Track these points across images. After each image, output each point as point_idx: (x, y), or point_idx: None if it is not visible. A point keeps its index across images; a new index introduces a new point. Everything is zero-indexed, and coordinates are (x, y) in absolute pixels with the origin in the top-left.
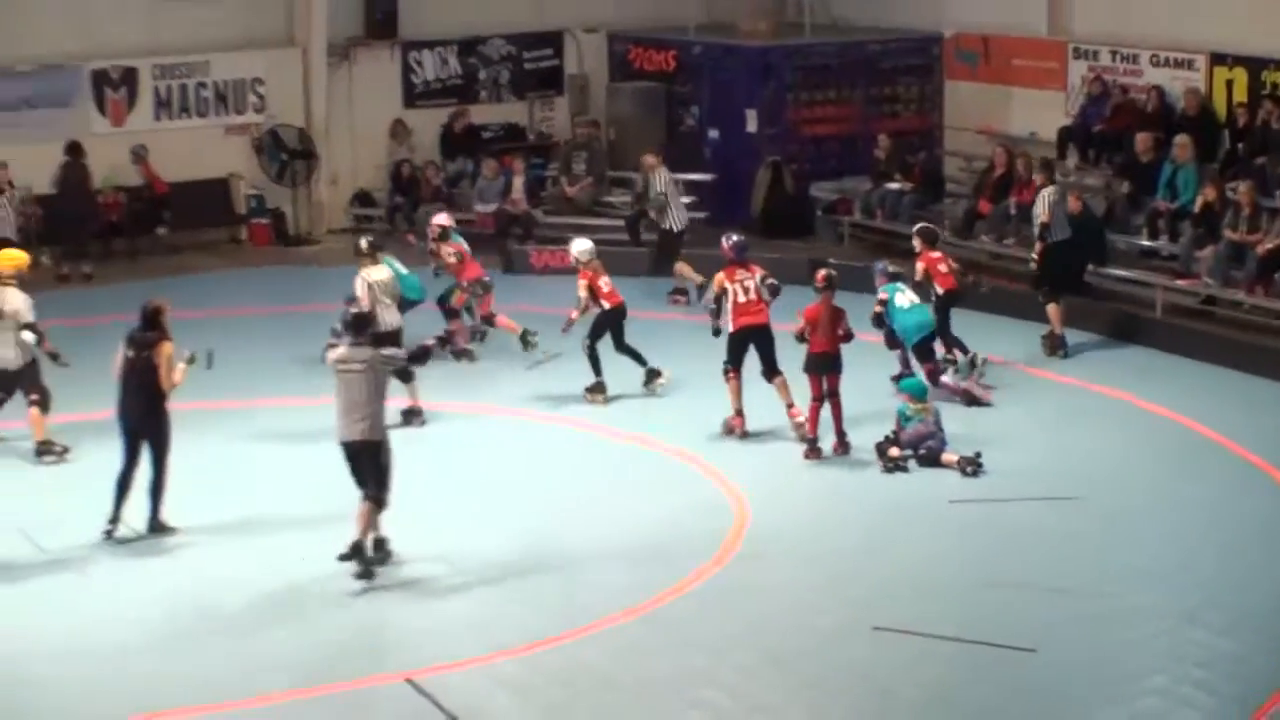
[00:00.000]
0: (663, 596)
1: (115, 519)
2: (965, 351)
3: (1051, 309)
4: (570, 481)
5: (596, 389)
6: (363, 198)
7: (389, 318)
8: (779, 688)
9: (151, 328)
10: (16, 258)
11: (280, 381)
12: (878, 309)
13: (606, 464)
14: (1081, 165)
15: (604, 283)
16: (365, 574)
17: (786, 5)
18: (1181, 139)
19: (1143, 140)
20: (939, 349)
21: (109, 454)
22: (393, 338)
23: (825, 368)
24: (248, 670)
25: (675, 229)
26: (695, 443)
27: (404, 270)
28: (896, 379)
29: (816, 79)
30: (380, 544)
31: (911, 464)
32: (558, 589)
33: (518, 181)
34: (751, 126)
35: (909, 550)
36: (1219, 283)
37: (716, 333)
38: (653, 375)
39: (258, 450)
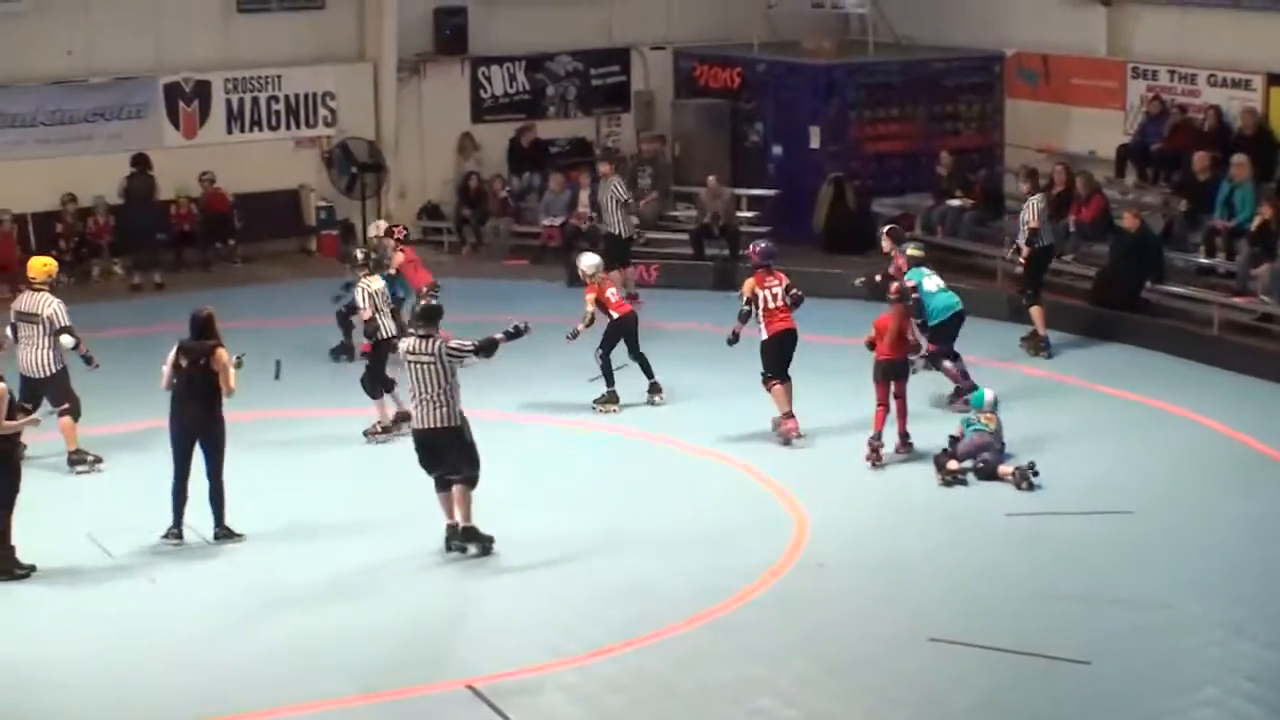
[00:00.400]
0: (723, 605)
1: (179, 528)
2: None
3: (1035, 311)
4: (629, 491)
5: (608, 399)
6: (431, 210)
7: (390, 324)
8: (836, 696)
9: (204, 336)
10: (47, 264)
11: (342, 393)
12: (912, 292)
13: (663, 473)
14: (1140, 183)
15: (611, 294)
16: (484, 549)
17: (850, 24)
18: (1239, 158)
19: (1200, 159)
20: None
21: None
22: (389, 344)
23: (892, 374)
24: (310, 675)
25: (623, 235)
26: (748, 453)
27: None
28: (955, 394)
29: (879, 97)
30: (455, 530)
31: (970, 476)
32: (618, 597)
33: (583, 195)
34: (815, 143)
35: (965, 562)
36: (1275, 300)
37: (734, 339)
38: (655, 389)
39: (322, 458)
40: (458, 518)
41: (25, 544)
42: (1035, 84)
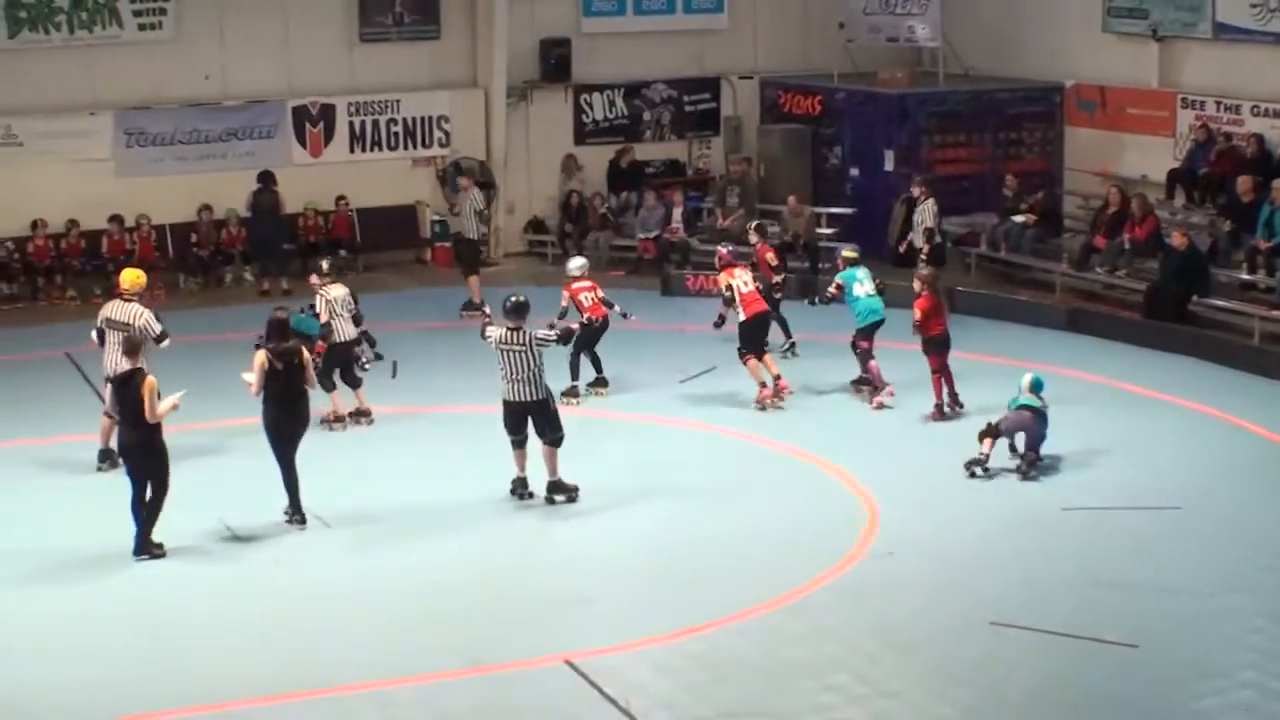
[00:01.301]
0: (800, 590)
1: (299, 511)
2: (788, 335)
3: None
4: (711, 481)
5: (571, 392)
6: (536, 225)
7: (346, 329)
8: (904, 675)
9: (283, 338)
10: (139, 277)
11: (449, 393)
12: (834, 291)
13: (744, 467)
14: (1188, 205)
15: (584, 297)
16: (570, 498)
17: (922, 56)
18: (1279, 183)
19: (1244, 183)
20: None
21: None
22: (348, 347)
23: (943, 346)
24: (413, 651)
25: (473, 237)
26: (827, 449)
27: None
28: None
29: (948, 123)
30: (523, 481)
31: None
32: (703, 581)
33: (676, 212)
34: (889, 166)
35: (1024, 551)
36: None
37: (720, 322)
38: (601, 384)
39: (428, 449)
40: (547, 473)
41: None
42: (1093, 113)
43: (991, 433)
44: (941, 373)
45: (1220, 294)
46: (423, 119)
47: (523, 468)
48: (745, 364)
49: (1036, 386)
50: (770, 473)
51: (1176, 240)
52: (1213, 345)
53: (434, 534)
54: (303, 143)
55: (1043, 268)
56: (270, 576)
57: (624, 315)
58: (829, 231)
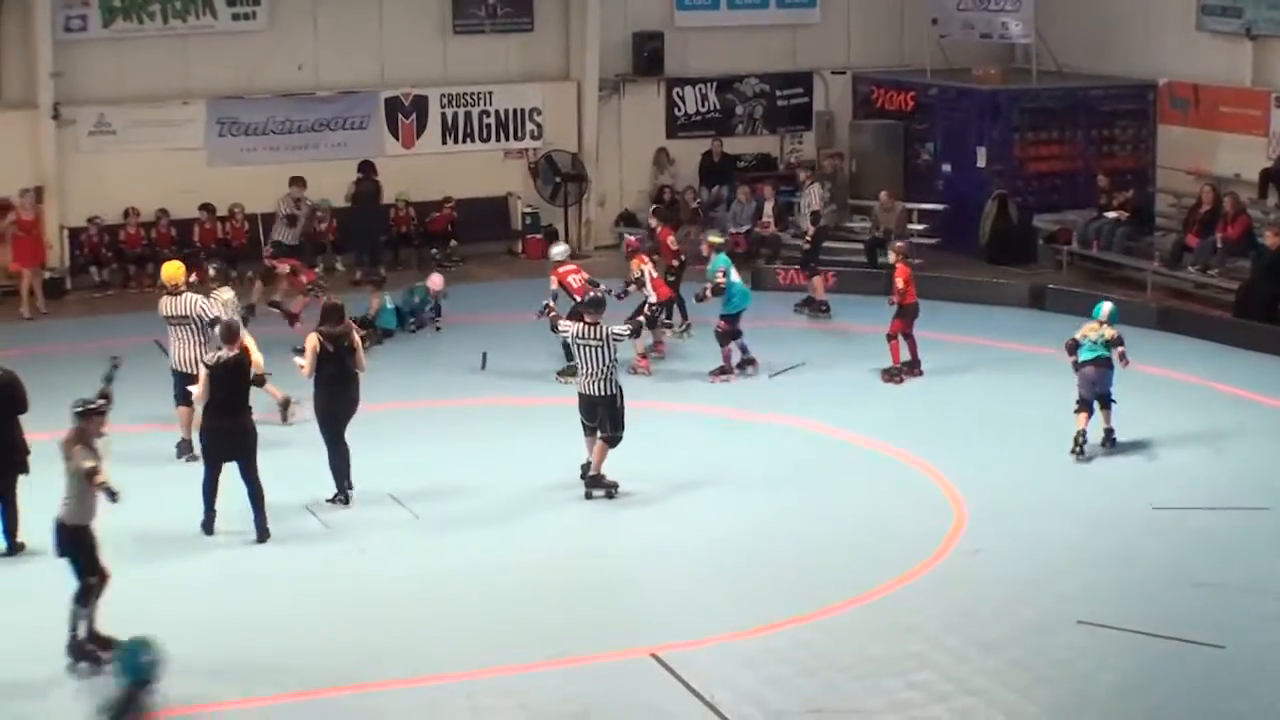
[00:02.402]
0: (885, 586)
1: (343, 492)
2: (685, 317)
3: (816, 281)
4: (798, 476)
5: (569, 371)
6: (627, 218)
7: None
8: (989, 673)
9: (336, 322)
10: (178, 268)
11: (534, 384)
12: (720, 280)
13: (832, 462)
14: None
15: (573, 280)
16: (609, 493)
17: (1015, 52)
18: None
19: None
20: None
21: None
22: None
23: (914, 314)
24: (499, 642)
25: None
26: (914, 444)
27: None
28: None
29: (1041, 120)
30: (598, 480)
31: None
32: (789, 575)
33: (768, 206)
34: (981, 162)
35: (1111, 550)
36: None
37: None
38: (570, 372)
39: (511, 440)
40: (592, 465)
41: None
42: (1185, 111)
43: (1083, 406)
44: (907, 339)
45: None
46: (515, 111)
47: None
48: (652, 329)
49: (1106, 316)
50: (857, 468)
51: (1269, 239)
52: None
53: (517, 525)
54: (395, 134)
55: (1134, 265)
56: (356, 564)
57: (615, 295)
58: (920, 227)
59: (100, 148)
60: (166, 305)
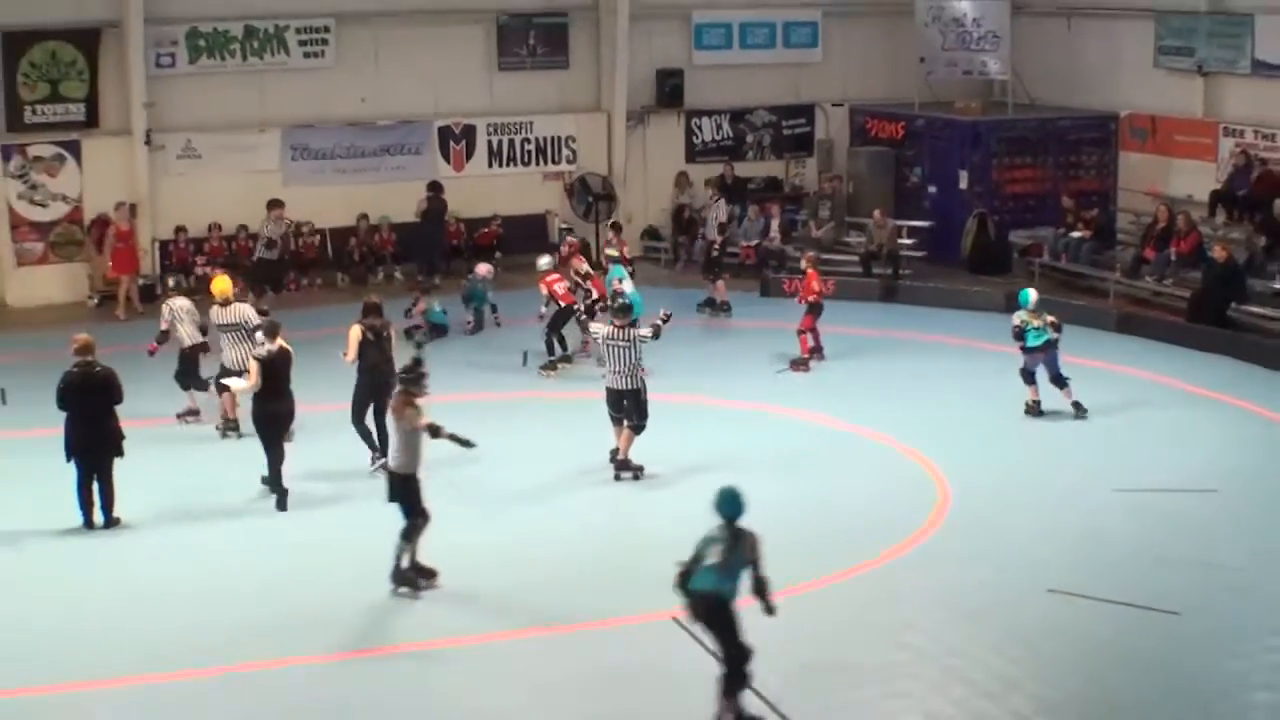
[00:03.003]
0: (878, 559)
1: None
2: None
3: (720, 284)
4: (796, 461)
5: (550, 365)
6: (651, 233)
7: (192, 334)
8: (971, 637)
9: (377, 316)
10: (225, 283)
11: (573, 378)
12: (618, 286)
13: (828, 447)
14: (1228, 222)
15: (559, 287)
16: (636, 475)
17: (994, 88)
18: None
19: (1279, 204)
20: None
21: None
22: (195, 351)
23: (821, 310)
24: (517, 607)
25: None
26: (894, 429)
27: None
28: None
29: (1016, 147)
30: (626, 463)
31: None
32: (792, 548)
33: (774, 223)
34: (963, 184)
35: (1078, 527)
36: None
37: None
38: (554, 365)
39: (543, 428)
40: (620, 450)
41: (312, 493)
42: (1144, 139)
43: (1030, 379)
44: (812, 333)
45: (1256, 301)
46: (552, 138)
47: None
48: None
49: (1035, 304)
50: (853, 453)
51: (1217, 253)
52: (1249, 347)
53: (552, 503)
54: (447, 158)
55: (1098, 276)
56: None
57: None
58: (909, 242)
59: (187, 170)
60: (218, 315)
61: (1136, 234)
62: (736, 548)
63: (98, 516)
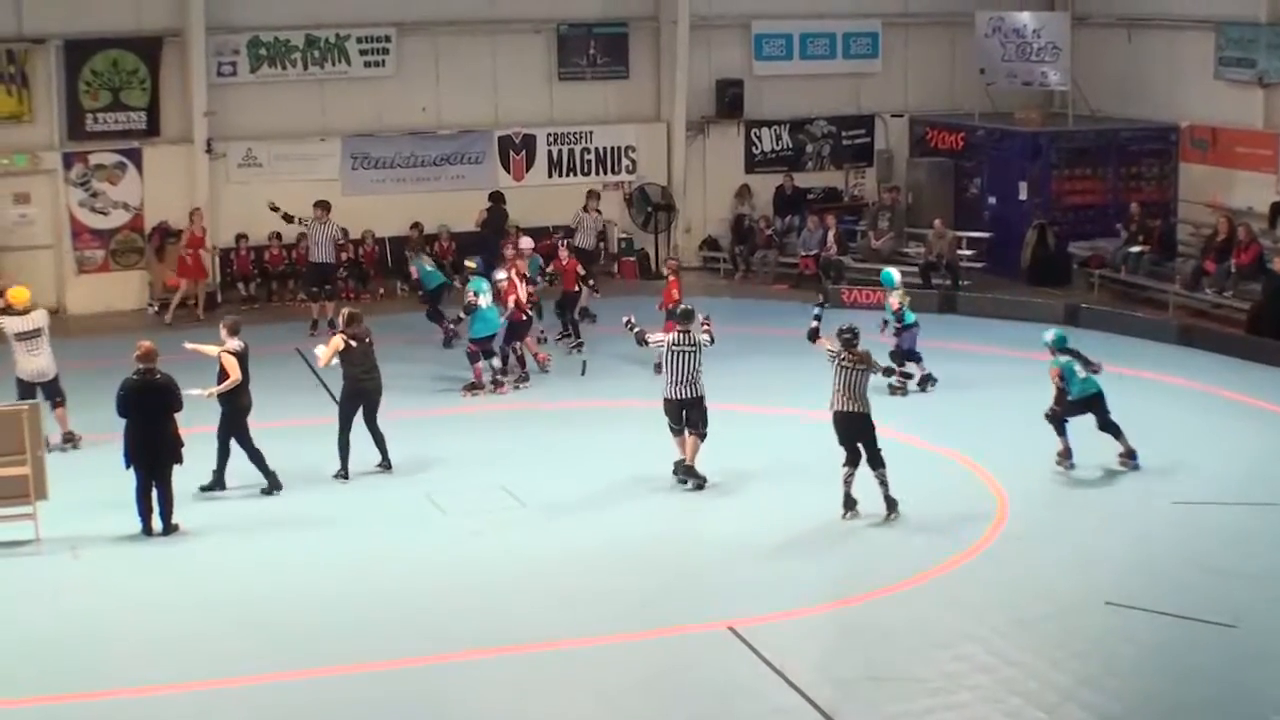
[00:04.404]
0: (937, 570)
1: (345, 473)
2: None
3: (587, 292)
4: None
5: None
6: (710, 243)
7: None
8: (1026, 647)
9: (359, 325)
10: (22, 292)
11: (630, 388)
12: (472, 300)
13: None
14: None
15: (513, 300)
16: (699, 485)
17: (1053, 98)
18: None
19: None
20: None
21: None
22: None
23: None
24: (580, 615)
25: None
26: (954, 439)
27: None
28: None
29: (1075, 158)
30: (681, 464)
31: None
32: (852, 558)
33: (830, 234)
34: (1023, 195)
35: (1136, 538)
36: None
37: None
38: (524, 379)
39: (604, 437)
40: (686, 458)
41: (371, 500)
42: (1205, 150)
43: (914, 358)
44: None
45: None
46: (612, 148)
47: (684, 451)
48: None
49: (890, 281)
50: (913, 464)
51: (1278, 265)
52: None
53: (609, 512)
54: (507, 168)
55: (1158, 288)
56: (469, 547)
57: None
58: (968, 253)
59: (248, 178)
60: (16, 324)
61: (1197, 246)
62: None
63: (156, 523)
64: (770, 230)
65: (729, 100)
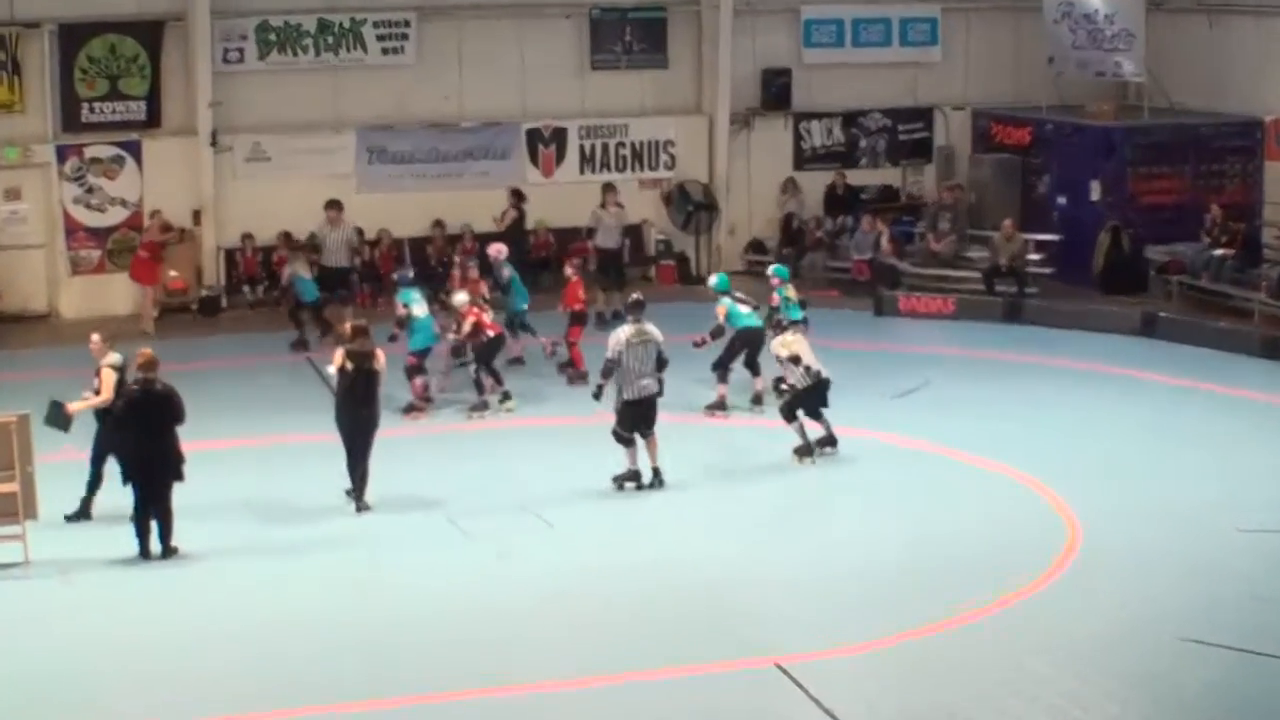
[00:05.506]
0: (999, 600)
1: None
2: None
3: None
4: (907, 491)
5: (482, 405)
6: (756, 246)
7: None
8: (1092, 685)
9: (365, 340)
10: None
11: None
12: (403, 312)
13: (943, 477)
14: None
15: (486, 317)
16: (656, 484)
17: (1128, 90)
18: None
19: None
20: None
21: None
22: None
23: (586, 320)
24: (619, 650)
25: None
26: (1017, 459)
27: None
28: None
29: (1152, 155)
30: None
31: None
32: (906, 589)
33: (883, 238)
34: (1095, 195)
35: (1213, 568)
36: None
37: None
38: (505, 397)
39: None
40: (652, 460)
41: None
42: None
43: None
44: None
45: None
46: (649, 143)
47: (636, 460)
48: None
49: (785, 274)
50: (970, 484)
51: None
52: None
53: (640, 536)
54: (536, 163)
55: (1242, 296)
56: (490, 572)
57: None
58: (1036, 257)
59: (255, 173)
60: None
61: None
62: None
63: (155, 545)
64: (820, 232)
65: (775, 91)
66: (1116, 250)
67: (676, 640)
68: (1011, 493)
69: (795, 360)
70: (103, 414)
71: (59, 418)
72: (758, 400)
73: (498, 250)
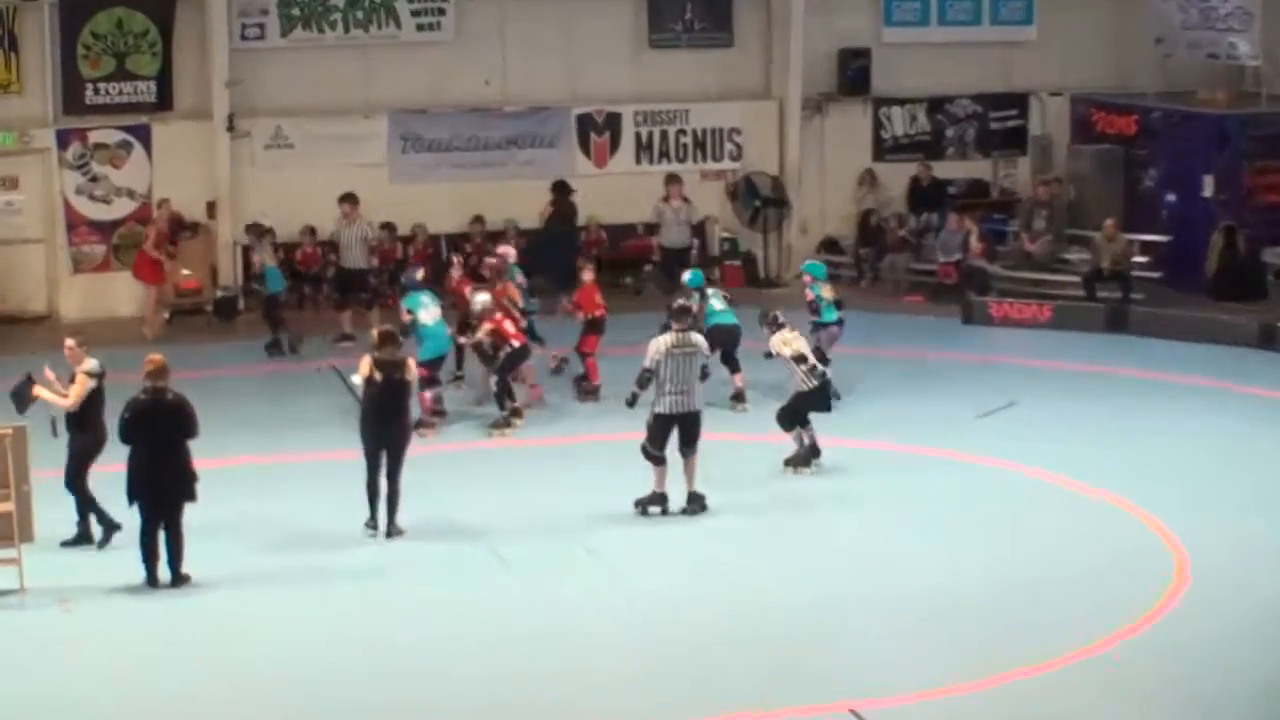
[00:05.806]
0: (1102, 642)
1: (375, 521)
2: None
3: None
4: (1004, 520)
5: (505, 422)
6: (830, 245)
7: None
8: None
9: (392, 348)
10: None
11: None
12: (407, 318)
13: (1038, 504)
14: None
15: (509, 326)
16: (704, 507)
17: (1244, 75)
18: None
19: None
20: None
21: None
22: None
23: (602, 328)
24: (694, 692)
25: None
26: (1121, 484)
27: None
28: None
29: (1271, 147)
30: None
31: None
32: (994, 627)
33: (972, 237)
34: (1207, 191)
35: None
36: None
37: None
38: (505, 423)
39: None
40: (689, 484)
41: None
42: None
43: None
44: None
45: None
46: (713, 131)
47: (663, 484)
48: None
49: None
50: (1071, 514)
51: None
52: None
53: (701, 567)
54: (587, 152)
55: None
56: (536, 603)
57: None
58: (1142, 260)
59: (277, 162)
60: None
61: None
62: None
63: (163, 572)
64: (903, 231)
65: (853, 74)
66: (1231, 253)
67: (742, 681)
68: (1113, 522)
69: (800, 359)
70: (75, 426)
71: (21, 396)
72: (739, 398)
73: (504, 253)
